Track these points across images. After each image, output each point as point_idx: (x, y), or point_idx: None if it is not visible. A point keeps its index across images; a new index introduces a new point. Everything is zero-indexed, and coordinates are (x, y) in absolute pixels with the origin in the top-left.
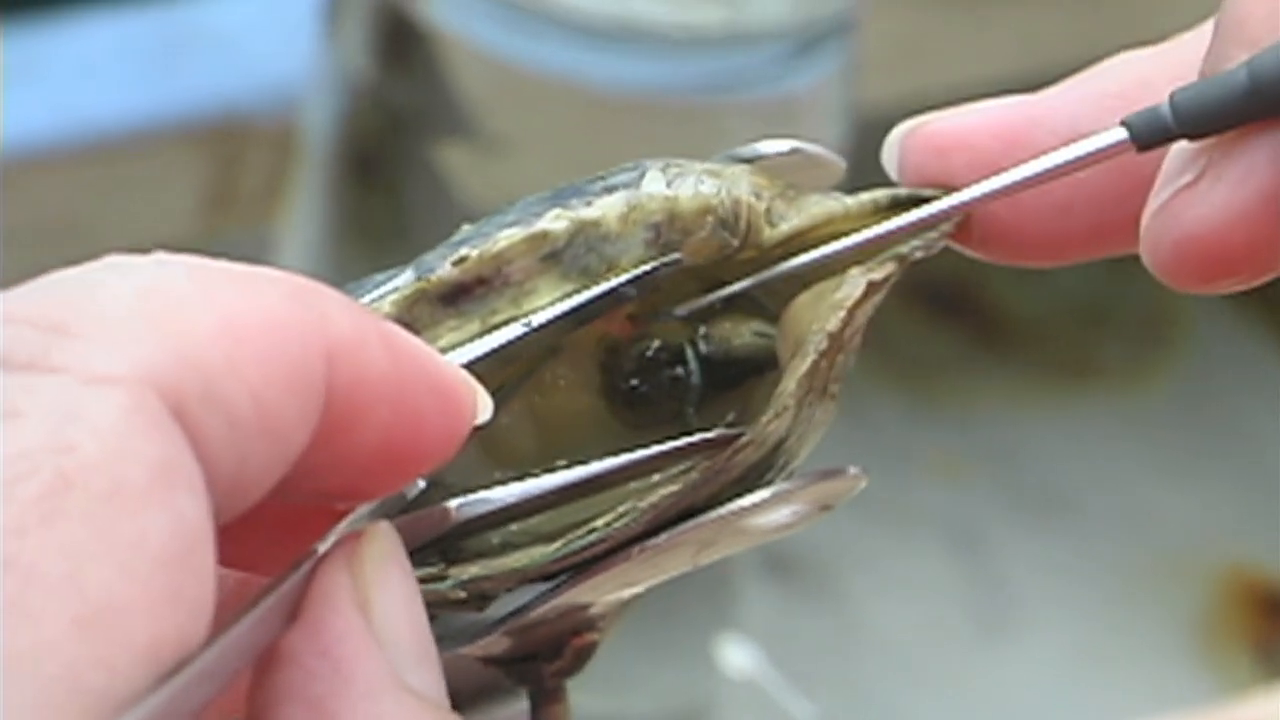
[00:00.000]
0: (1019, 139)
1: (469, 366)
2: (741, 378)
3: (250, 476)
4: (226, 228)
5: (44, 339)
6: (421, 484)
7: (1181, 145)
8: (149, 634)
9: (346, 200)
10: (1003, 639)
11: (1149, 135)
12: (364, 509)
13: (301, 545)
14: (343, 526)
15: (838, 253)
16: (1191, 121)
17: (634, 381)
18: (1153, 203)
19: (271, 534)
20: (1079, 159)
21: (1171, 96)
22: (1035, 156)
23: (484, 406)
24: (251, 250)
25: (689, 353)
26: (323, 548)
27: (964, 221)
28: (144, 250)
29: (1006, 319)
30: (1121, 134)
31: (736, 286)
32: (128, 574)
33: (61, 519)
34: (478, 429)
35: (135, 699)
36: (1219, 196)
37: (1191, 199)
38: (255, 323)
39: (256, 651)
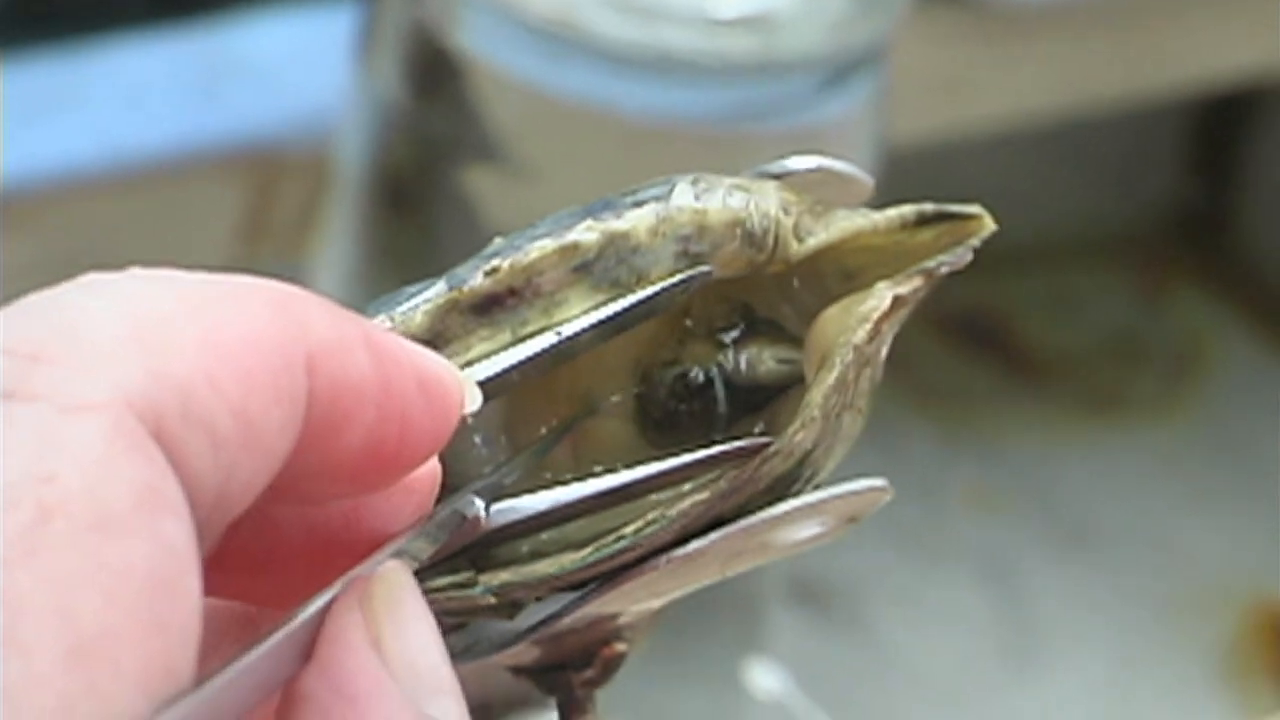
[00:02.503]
0: None
1: (500, 376)
2: (766, 400)
3: (235, 488)
4: (261, 256)
5: (20, 368)
6: (478, 502)
7: None
8: (138, 662)
9: (380, 229)
10: (1031, 670)
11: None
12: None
13: (332, 579)
14: (380, 555)
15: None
16: None
17: (665, 405)
18: None
19: (301, 569)
20: None
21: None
22: None
23: (471, 398)
24: (286, 279)
25: (718, 377)
26: (334, 588)
27: None
28: None
29: (1037, 352)
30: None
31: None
32: (114, 602)
33: (46, 550)
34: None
35: None
36: None
37: None
38: (233, 336)
39: (268, 690)
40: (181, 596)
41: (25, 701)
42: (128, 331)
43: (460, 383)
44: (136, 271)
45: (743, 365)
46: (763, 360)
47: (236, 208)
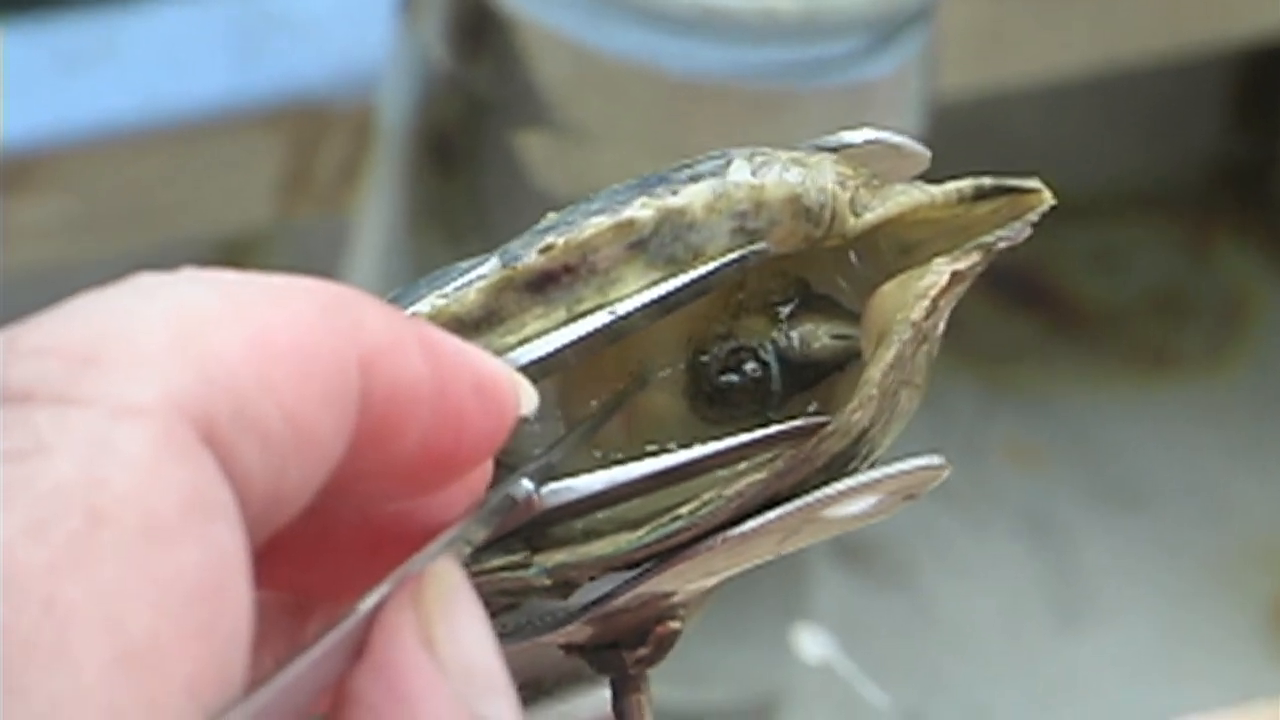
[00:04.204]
0: None
1: (555, 354)
2: (820, 377)
3: (287, 491)
4: (304, 213)
5: (71, 371)
6: (529, 485)
7: None
8: (187, 670)
9: (423, 187)
10: (1079, 628)
11: None
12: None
13: (384, 570)
14: (433, 547)
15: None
16: None
17: (718, 380)
18: None
19: (352, 560)
20: None
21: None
22: None
23: (527, 399)
24: (329, 235)
25: (771, 353)
26: (387, 584)
27: None
28: (221, 235)
29: (1083, 308)
30: None
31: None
32: (163, 610)
33: (96, 557)
34: (531, 417)
35: None
36: None
37: None
38: (286, 338)
39: (320, 689)
40: (231, 602)
41: (74, 713)
42: (178, 334)
43: (516, 384)
44: (188, 273)
45: (797, 341)
46: (818, 336)
47: (279, 163)
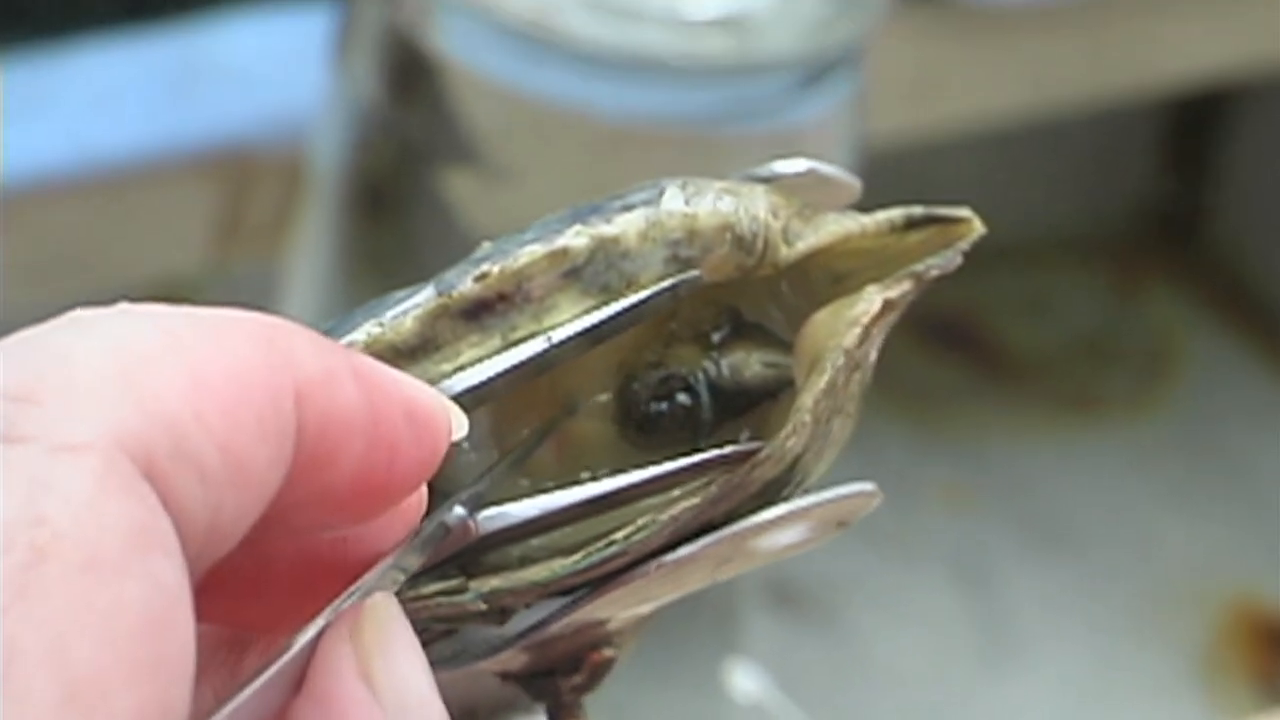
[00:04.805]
0: None
1: (491, 382)
2: (751, 405)
3: (225, 524)
4: (236, 259)
5: (12, 409)
6: (461, 511)
7: None
8: (133, 706)
9: (355, 231)
10: (1007, 669)
11: None
12: (395, 552)
13: (326, 601)
14: (369, 577)
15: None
16: None
17: (649, 408)
18: None
19: (290, 592)
20: None
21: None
22: None
23: (459, 426)
24: (260, 281)
25: (702, 382)
26: (325, 615)
27: None
28: (153, 281)
29: (1011, 352)
30: None
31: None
32: (108, 645)
33: (39, 593)
34: (454, 445)
35: None
36: None
37: None
38: (221, 372)
39: (256, 713)
40: (175, 635)
41: None
42: (116, 370)
43: (448, 411)
44: (124, 307)
45: (727, 370)
46: (749, 364)
47: (211, 210)
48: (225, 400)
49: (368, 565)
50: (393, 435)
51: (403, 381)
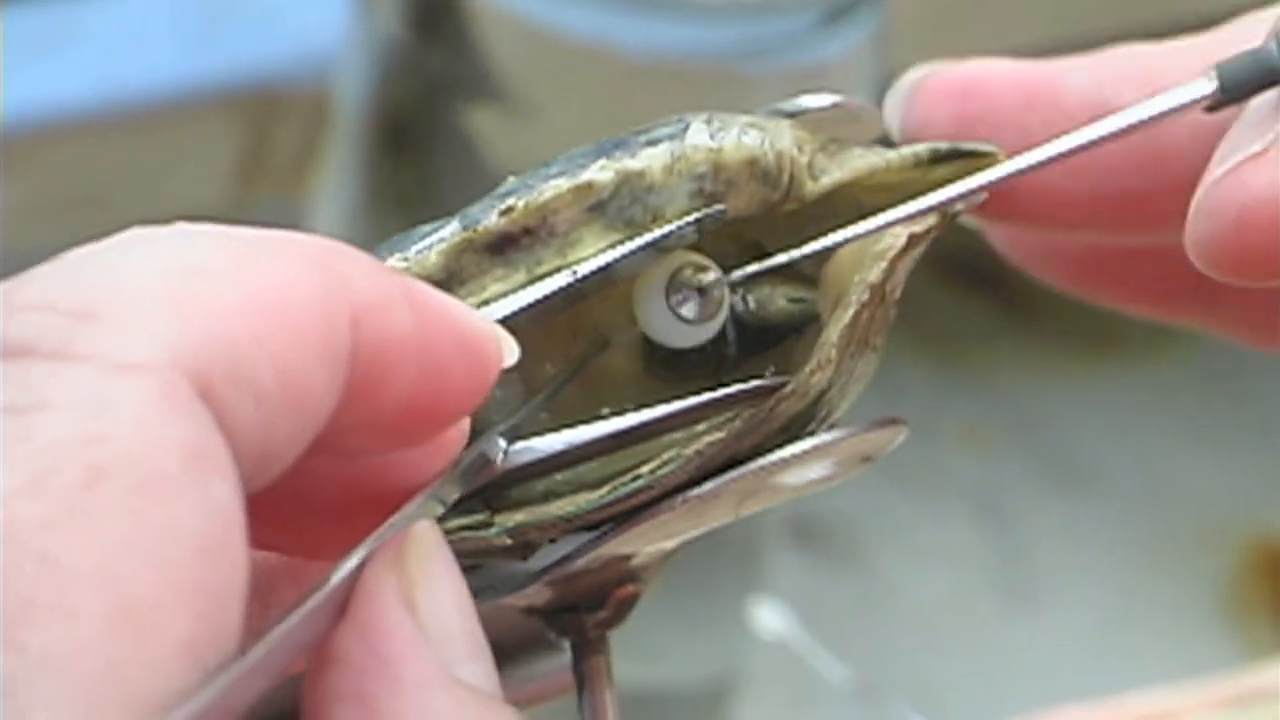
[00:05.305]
0: (1040, 94)
1: (516, 315)
2: (776, 340)
3: (277, 447)
4: (259, 195)
5: (69, 326)
6: (502, 443)
7: (1250, 115)
8: (186, 628)
9: (379, 168)
10: (1027, 606)
11: (1238, 86)
12: (436, 482)
13: (364, 530)
14: (410, 507)
15: (889, 224)
16: None
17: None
18: (1211, 175)
19: (329, 519)
20: (1159, 114)
21: (1277, 37)
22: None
23: (509, 352)
24: (284, 218)
25: (727, 316)
26: (368, 544)
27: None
28: (175, 219)
29: (1032, 290)
30: (1208, 87)
31: (790, 254)
32: (162, 567)
33: (94, 512)
34: (506, 371)
35: (178, 696)
36: None
37: (1261, 165)
38: (279, 294)
39: (304, 648)
40: (228, 559)
41: (72, 668)
42: (174, 289)
43: (498, 338)
44: (182, 226)
45: (753, 304)
46: (774, 299)
47: (235, 147)
48: (283, 321)
49: (407, 495)
50: (444, 360)
51: (455, 307)
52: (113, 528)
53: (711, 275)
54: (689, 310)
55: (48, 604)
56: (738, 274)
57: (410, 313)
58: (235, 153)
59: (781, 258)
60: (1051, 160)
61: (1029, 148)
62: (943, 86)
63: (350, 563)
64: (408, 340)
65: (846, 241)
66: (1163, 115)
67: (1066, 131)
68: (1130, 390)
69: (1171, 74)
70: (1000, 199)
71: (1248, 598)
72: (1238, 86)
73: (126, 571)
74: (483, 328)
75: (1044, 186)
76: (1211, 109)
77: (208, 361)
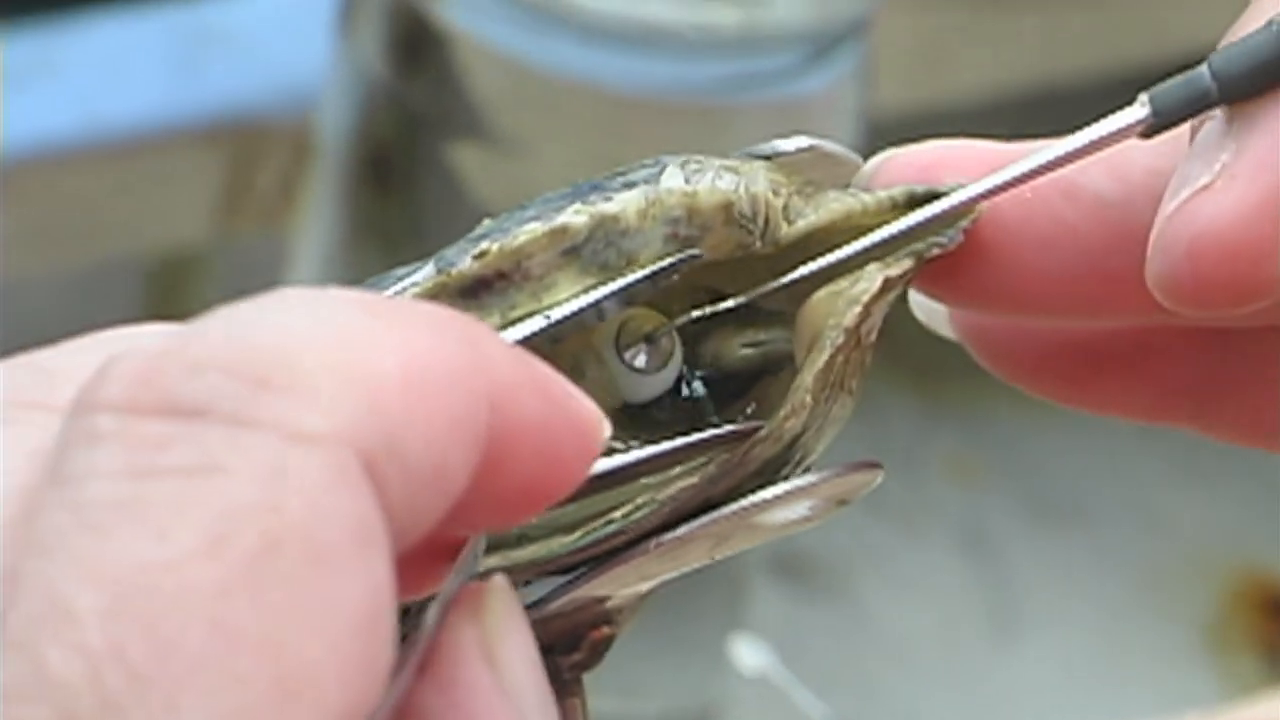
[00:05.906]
0: (1006, 163)
1: None
2: (746, 386)
3: (412, 524)
4: (242, 229)
5: (245, 391)
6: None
7: (1198, 147)
8: (340, 700)
9: (361, 202)
10: (1013, 640)
11: (1170, 110)
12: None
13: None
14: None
15: (857, 254)
16: (1231, 82)
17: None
18: (1164, 210)
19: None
20: (1095, 141)
21: (1210, 61)
22: (1021, 189)
23: (606, 431)
24: (268, 252)
25: (684, 375)
26: (442, 598)
27: (939, 268)
28: (159, 252)
29: None
30: (1141, 113)
31: (739, 298)
32: (326, 640)
33: (267, 581)
34: None
35: None
36: (1238, 189)
37: (1207, 198)
38: (433, 371)
39: (396, 704)
40: (381, 635)
41: None
42: (341, 360)
43: (601, 422)
44: (334, 291)
45: (709, 359)
46: (730, 349)
47: (217, 180)
48: (436, 399)
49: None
50: (559, 444)
51: (574, 395)
52: (284, 598)
53: (655, 323)
54: (640, 361)
55: (215, 670)
56: (682, 319)
57: (538, 397)
58: (218, 186)
59: (729, 302)
60: (1013, 184)
61: (995, 220)
62: (905, 162)
63: (430, 617)
64: (532, 426)
65: (801, 279)
66: (1101, 141)
67: (1033, 206)
68: (1116, 423)
69: (1137, 152)
70: (972, 281)
71: (1233, 632)
72: (1170, 111)
73: (293, 641)
74: (592, 412)
75: (1016, 265)
76: (1146, 135)
77: (373, 437)
